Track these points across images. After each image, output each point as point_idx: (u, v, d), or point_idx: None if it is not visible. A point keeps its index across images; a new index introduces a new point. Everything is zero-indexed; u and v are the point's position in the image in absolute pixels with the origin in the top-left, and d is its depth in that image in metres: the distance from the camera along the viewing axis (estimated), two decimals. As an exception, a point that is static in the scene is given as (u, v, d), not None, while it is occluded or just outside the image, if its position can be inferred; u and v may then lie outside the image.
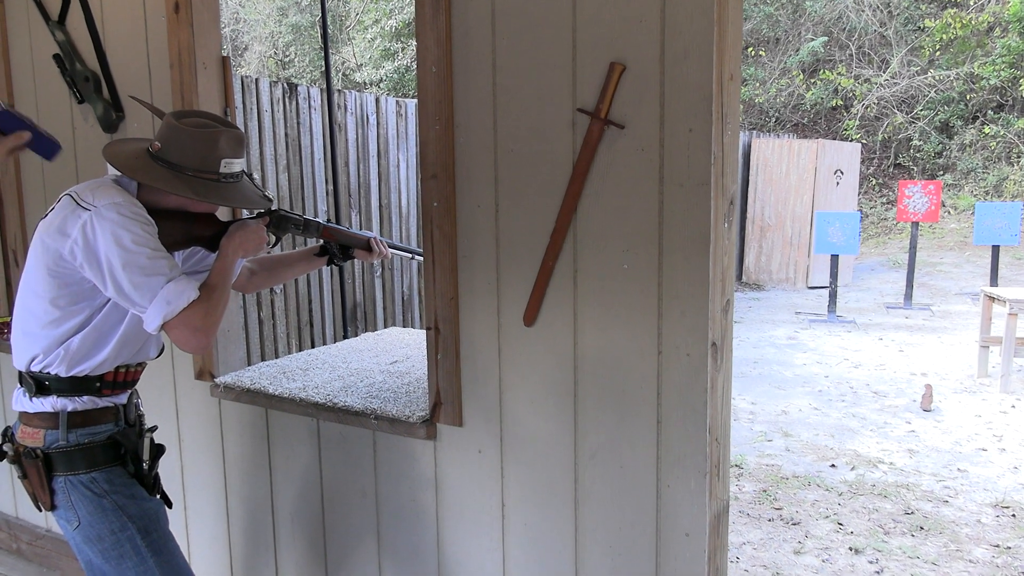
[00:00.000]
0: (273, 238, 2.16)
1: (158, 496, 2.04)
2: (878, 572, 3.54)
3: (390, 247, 2.46)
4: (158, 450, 2.08)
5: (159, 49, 2.63)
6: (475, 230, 2.09)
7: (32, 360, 1.89)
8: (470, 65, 2.04)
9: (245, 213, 2.45)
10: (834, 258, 9.35)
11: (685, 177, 1.80)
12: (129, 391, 2.04)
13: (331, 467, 2.48)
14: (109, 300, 1.86)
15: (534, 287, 2.01)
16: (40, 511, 1.98)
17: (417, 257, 2.60)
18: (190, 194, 1.84)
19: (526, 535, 2.14)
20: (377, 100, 6.61)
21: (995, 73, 15.15)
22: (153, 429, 2.09)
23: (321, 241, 2.36)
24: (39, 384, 1.89)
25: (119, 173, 1.89)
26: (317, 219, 2.24)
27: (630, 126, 1.85)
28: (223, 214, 2.15)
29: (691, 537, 1.90)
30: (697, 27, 1.75)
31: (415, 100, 7.06)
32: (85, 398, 1.92)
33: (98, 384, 1.92)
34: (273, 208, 2.14)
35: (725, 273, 1.89)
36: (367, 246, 2.38)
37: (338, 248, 2.36)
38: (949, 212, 14.20)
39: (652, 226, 1.86)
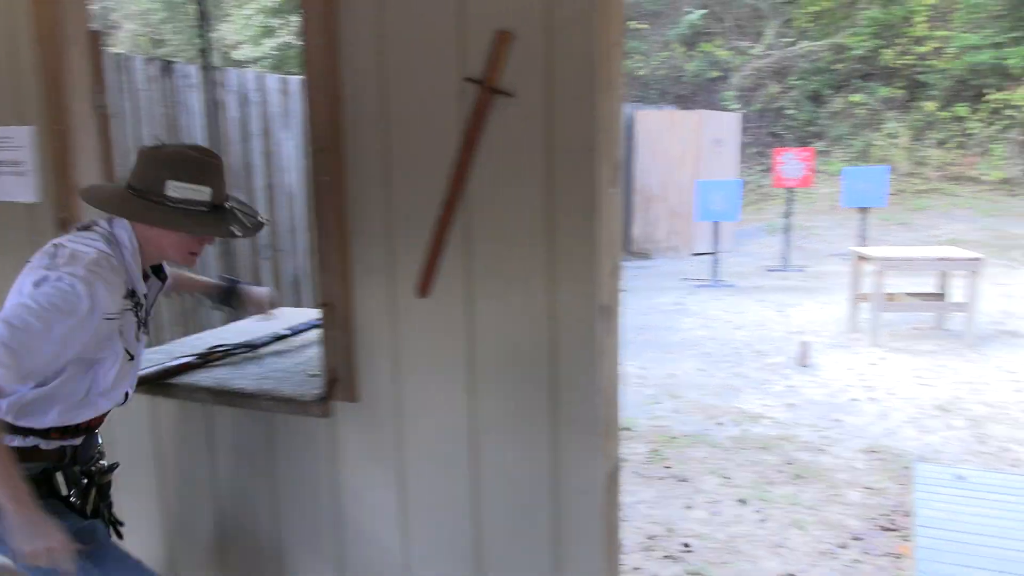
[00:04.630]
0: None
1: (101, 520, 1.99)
2: (762, 520, 3.74)
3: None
4: (104, 487, 2.05)
5: (22, 24, 2.49)
6: (366, 203, 2.09)
7: None
8: (357, 36, 2.03)
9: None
10: (716, 225, 9.69)
11: (572, 144, 1.85)
12: (85, 436, 1.97)
13: (225, 452, 2.44)
14: (65, 369, 1.81)
15: (427, 258, 2.03)
16: None
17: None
18: (119, 212, 1.87)
19: (427, 505, 2.17)
20: (259, 77, 6.44)
21: (860, 43, 15.91)
22: (112, 468, 2.05)
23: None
24: None
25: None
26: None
27: (519, 94, 1.89)
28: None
29: (586, 495, 1.97)
30: (579, -4, 1.79)
31: (300, 77, 6.91)
32: (30, 439, 1.84)
33: (49, 430, 1.86)
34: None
35: (612, 238, 1.96)
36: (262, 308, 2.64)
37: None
38: (822, 177, 14.87)
39: (542, 193, 1.90)
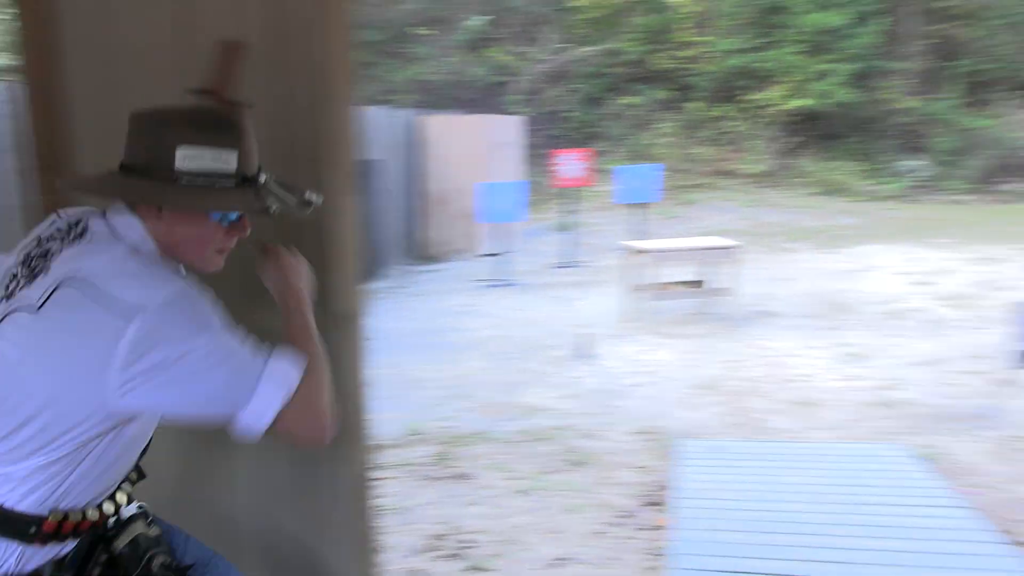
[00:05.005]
0: None
1: None
2: (541, 509, 3.89)
3: None
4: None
5: None
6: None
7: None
8: (80, 47, 1.92)
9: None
10: (504, 226, 9.95)
11: (304, 154, 1.86)
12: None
13: None
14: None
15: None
16: None
17: None
18: (117, 193, 1.40)
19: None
20: (11, 88, 5.93)
21: (632, 48, 16.90)
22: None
23: None
24: None
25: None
26: None
27: (251, 106, 1.86)
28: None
29: (336, 504, 1.98)
30: (303, 5, 1.81)
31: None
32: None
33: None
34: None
35: (348, 245, 1.98)
36: None
37: None
38: (604, 176, 15.62)
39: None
